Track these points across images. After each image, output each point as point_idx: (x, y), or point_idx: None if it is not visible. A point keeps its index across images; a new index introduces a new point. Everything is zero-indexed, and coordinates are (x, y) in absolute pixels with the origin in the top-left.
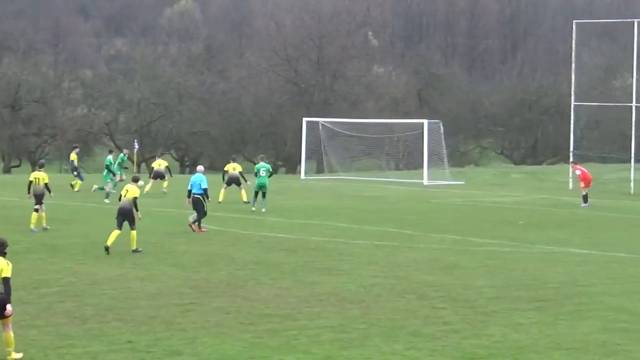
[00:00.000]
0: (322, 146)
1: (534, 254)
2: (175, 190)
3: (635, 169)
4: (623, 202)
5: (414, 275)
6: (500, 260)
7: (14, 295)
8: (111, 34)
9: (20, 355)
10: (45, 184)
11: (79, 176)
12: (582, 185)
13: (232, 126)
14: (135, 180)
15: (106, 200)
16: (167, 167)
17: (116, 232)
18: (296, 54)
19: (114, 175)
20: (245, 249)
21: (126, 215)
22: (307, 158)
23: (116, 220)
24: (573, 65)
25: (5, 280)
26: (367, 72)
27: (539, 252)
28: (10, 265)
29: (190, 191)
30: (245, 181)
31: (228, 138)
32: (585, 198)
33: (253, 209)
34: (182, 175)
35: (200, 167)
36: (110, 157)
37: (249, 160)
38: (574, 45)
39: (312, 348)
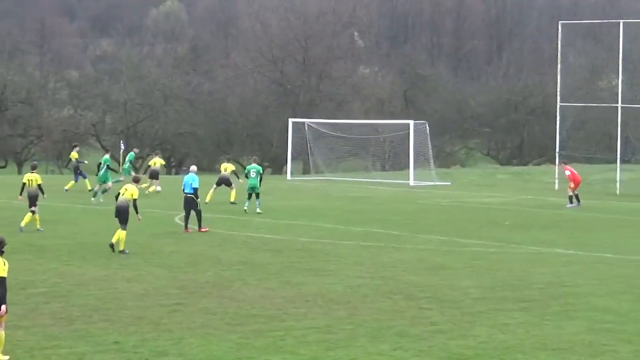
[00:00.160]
0: (308, 147)
1: (520, 254)
2: (163, 191)
3: (621, 170)
4: (609, 202)
5: (400, 276)
6: (487, 261)
7: None
8: (97, 34)
9: (6, 357)
10: (39, 185)
11: (81, 174)
12: (571, 186)
13: (218, 127)
14: (136, 180)
15: (100, 200)
16: (163, 165)
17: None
18: (282, 55)
19: (115, 172)
20: (232, 250)
21: (121, 214)
22: (293, 159)
23: (117, 219)
24: (559, 65)
25: (1, 280)
26: (353, 73)
27: (525, 253)
28: (6, 265)
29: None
30: (238, 178)
31: (214, 139)
32: (571, 199)
33: (245, 209)
34: (168, 176)
35: (193, 167)
36: (107, 156)
37: (235, 161)
38: (559, 46)
39: (298, 349)
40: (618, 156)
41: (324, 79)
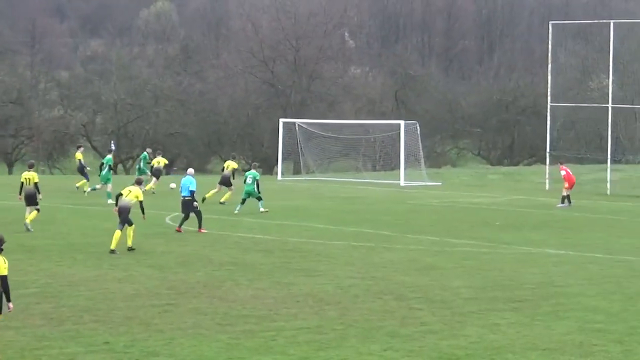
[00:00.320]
0: (299, 147)
1: (510, 254)
2: (157, 191)
3: (611, 170)
4: (599, 202)
5: (391, 276)
6: (477, 261)
7: None
8: (87, 34)
9: None
10: (35, 184)
11: (85, 175)
12: (566, 185)
13: (209, 127)
14: (139, 182)
15: (88, 189)
16: (166, 164)
17: (125, 230)
18: (273, 55)
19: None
20: (223, 250)
21: (122, 214)
22: (283, 159)
23: (119, 219)
24: (549, 65)
25: (2, 277)
26: (344, 73)
27: (515, 253)
28: (6, 262)
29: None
30: (233, 177)
31: (205, 139)
32: (563, 199)
33: (235, 212)
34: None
35: (190, 170)
36: (109, 156)
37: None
38: (550, 46)
39: (289, 349)
40: (608, 156)
41: (314, 79)
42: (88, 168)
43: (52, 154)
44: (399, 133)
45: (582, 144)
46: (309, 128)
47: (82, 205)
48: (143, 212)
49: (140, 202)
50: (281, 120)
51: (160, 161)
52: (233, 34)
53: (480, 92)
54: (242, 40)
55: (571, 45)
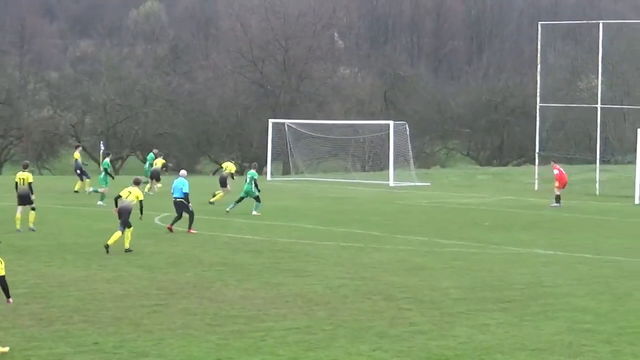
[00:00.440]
0: (288, 147)
1: (499, 255)
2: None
3: (600, 170)
4: (589, 203)
5: (380, 277)
6: (466, 262)
7: None
8: (77, 35)
9: (6, 349)
10: (29, 184)
11: (84, 174)
12: (557, 184)
13: (198, 127)
14: (137, 182)
15: (100, 203)
16: (164, 165)
17: (124, 232)
18: (262, 55)
19: (111, 177)
20: (212, 251)
21: (122, 215)
22: (273, 159)
23: (119, 220)
24: (538, 66)
25: (0, 277)
26: (333, 74)
27: (504, 253)
28: (2, 263)
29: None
30: (232, 178)
31: (194, 139)
32: (557, 198)
33: (227, 210)
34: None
35: (183, 172)
36: (107, 159)
37: (215, 162)
38: (539, 47)
39: (278, 349)
40: (597, 157)
41: (304, 79)
42: (86, 164)
43: (42, 155)
44: (388, 133)
45: (571, 145)
46: (298, 128)
47: (73, 206)
48: (141, 212)
49: (140, 201)
50: (270, 121)
51: (157, 162)
52: (222, 34)
53: (470, 92)
54: (231, 40)
55: (560, 46)
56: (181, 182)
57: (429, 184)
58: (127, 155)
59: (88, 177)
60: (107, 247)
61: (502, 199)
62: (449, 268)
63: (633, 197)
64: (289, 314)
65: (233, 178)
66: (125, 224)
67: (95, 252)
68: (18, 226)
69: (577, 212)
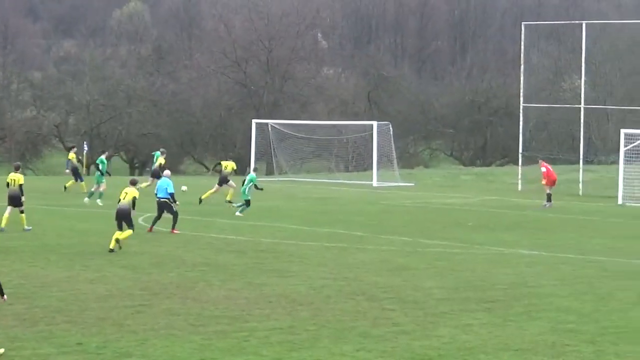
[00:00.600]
0: (272, 148)
1: (483, 255)
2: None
3: (583, 170)
4: (572, 203)
5: (363, 277)
6: (450, 262)
7: None
8: (60, 35)
9: (1, 350)
10: (20, 186)
11: (78, 176)
12: (544, 182)
13: (182, 128)
14: (133, 183)
15: (99, 202)
16: (160, 164)
17: (124, 229)
18: (245, 56)
19: (103, 175)
20: (195, 251)
21: (124, 217)
22: (256, 160)
23: (116, 222)
24: (522, 66)
25: None
26: (317, 74)
27: (488, 254)
28: None
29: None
30: (230, 179)
31: (177, 139)
32: (549, 197)
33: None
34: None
35: (167, 172)
36: (102, 157)
37: (199, 162)
38: (522, 47)
39: (261, 350)
40: (581, 157)
41: (287, 80)
42: (80, 159)
43: (25, 155)
44: (372, 134)
45: (554, 145)
46: (281, 129)
47: (57, 206)
48: (133, 207)
49: (134, 197)
50: (254, 121)
51: (160, 160)
52: (206, 34)
53: (453, 92)
54: (215, 40)
55: (544, 46)
56: (165, 182)
57: (413, 184)
58: (111, 156)
59: (82, 180)
60: (111, 250)
61: (486, 199)
62: (432, 268)
63: (616, 197)
64: (273, 314)
65: (229, 179)
66: (128, 224)
67: (79, 252)
68: (3, 225)
69: (560, 213)
